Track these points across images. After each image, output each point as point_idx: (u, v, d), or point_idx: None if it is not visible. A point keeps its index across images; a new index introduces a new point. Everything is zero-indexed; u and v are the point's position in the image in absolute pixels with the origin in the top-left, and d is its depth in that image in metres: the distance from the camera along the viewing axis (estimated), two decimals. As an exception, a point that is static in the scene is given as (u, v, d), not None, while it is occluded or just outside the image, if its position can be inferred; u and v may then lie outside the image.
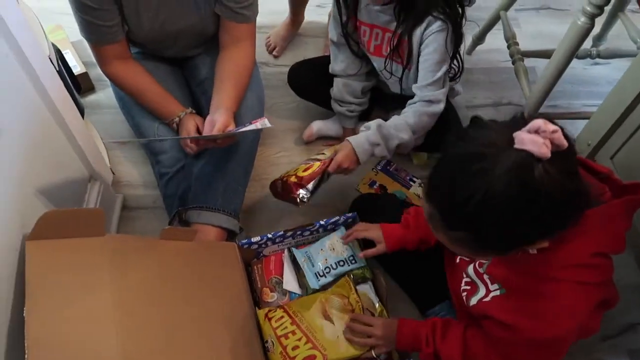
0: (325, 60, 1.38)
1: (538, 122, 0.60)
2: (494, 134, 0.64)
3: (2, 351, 0.78)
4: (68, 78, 1.22)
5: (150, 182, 1.39)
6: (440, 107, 1.16)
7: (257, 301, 1.13)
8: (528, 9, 1.92)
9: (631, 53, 1.45)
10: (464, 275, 0.88)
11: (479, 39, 1.69)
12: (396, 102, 1.35)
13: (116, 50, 1.20)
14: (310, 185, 1.11)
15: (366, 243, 1.21)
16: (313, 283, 1.13)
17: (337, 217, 1.18)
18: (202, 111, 1.29)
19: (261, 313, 1.06)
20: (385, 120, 1.18)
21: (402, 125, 1.15)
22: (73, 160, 1.11)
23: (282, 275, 1.15)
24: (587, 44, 1.22)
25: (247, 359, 0.98)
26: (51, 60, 1.04)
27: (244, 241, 1.13)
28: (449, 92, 1.27)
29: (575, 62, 1.22)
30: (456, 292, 0.93)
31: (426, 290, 1.13)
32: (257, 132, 1.23)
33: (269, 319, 1.05)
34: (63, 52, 1.43)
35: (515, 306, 0.77)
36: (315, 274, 1.15)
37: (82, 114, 1.18)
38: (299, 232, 1.17)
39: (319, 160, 1.14)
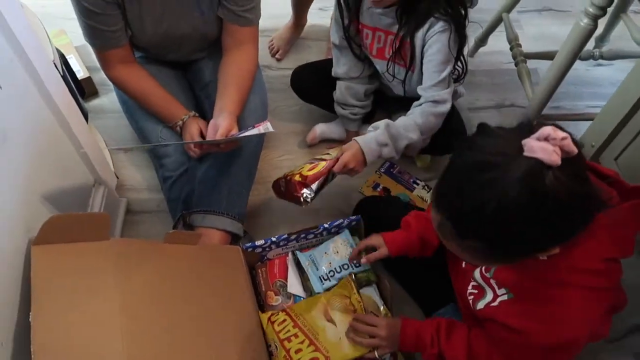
0: (328, 63, 1.38)
1: (547, 130, 0.60)
2: (502, 141, 0.64)
3: (9, 356, 0.78)
4: (72, 83, 1.23)
5: (154, 186, 1.39)
6: (447, 106, 1.15)
7: (262, 305, 1.13)
8: (530, 10, 1.92)
9: (634, 54, 1.45)
10: (471, 280, 0.88)
11: (482, 41, 1.70)
12: (399, 104, 1.35)
13: (120, 55, 1.20)
14: (314, 185, 1.09)
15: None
16: (317, 286, 1.13)
17: (341, 220, 1.18)
18: (205, 115, 1.29)
19: (264, 317, 1.06)
20: None
21: (410, 125, 1.14)
22: (77, 165, 1.12)
23: (286, 279, 1.15)
24: (590, 45, 1.22)
25: (252, 362, 0.98)
26: (56, 65, 1.05)
27: (248, 244, 1.13)
28: (462, 77, 1.27)
29: (578, 64, 1.22)
30: (462, 296, 0.93)
31: (431, 293, 1.13)
32: (261, 136, 1.23)
33: (272, 323, 1.05)
34: (67, 57, 1.44)
35: (524, 311, 0.76)
36: (320, 277, 1.14)
37: (86, 118, 1.19)
38: (303, 236, 1.17)
39: (324, 160, 1.12)
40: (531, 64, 1.48)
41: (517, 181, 0.60)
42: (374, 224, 1.19)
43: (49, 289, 0.80)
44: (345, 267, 1.14)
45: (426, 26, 1.11)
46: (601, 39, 1.64)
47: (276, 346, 1.01)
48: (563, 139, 0.59)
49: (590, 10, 1.09)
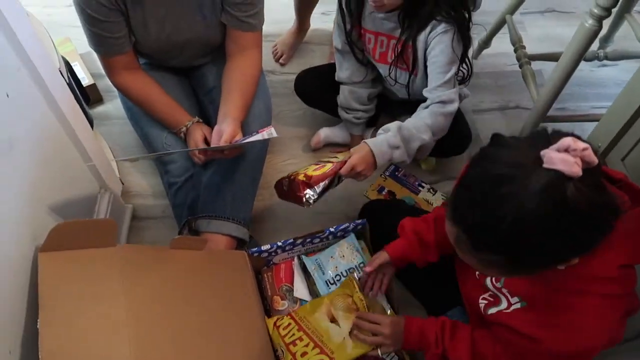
0: (331, 68, 1.38)
1: (567, 141, 0.59)
2: (518, 152, 0.63)
3: (16, 363, 0.78)
4: (77, 90, 1.24)
5: (159, 192, 1.39)
6: (455, 106, 1.14)
7: (268, 309, 1.13)
8: (533, 12, 1.92)
9: (639, 54, 1.44)
10: (484, 287, 0.87)
11: (485, 43, 1.69)
12: (403, 108, 1.35)
13: (124, 61, 1.21)
14: (318, 187, 1.04)
15: (376, 249, 1.21)
16: (324, 291, 1.13)
17: (346, 224, 1.17)
18: (210, 120, 1.30)
19: (270, 322, 1.06)
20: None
21: (422, 126, 1.12)
22: (83, 172, 1.12)
23: (292, 283, 1.15)
24: (594, 46, 1.22)
25: (259, 368, 0.98)
26: (61, 73, 1.06)
27: (254, 249, 1.13)
28: (467, 79, 1.26)
29: (582, 64, 1.21)
30: (470, 300, 0.92)
31: (438, 296, 1.12)
32: (265, 141, 1.23)
33: (277, 327, 1.04)
34: (72, 64, 1.45)
35: (540, 319, 0.76)
36: (326, 281, 1.14)
37: (91, 125, 1.19)
38: (308, 240, 1.16)
39: (331, 162, 1.08)
40: (535, 65, 1.47)
41: (538, 194, 0.59)
42: (380, 228, 1.18)
43: (56, 296, 0.80)
44: (352, 270, 1.14)
45: (428, 29, 1.11)
46: (605, 40, 1.63)
47: (282, 351, 1.01)
48: (584, 149, 0.58)
49: (595, 11, 1.08)
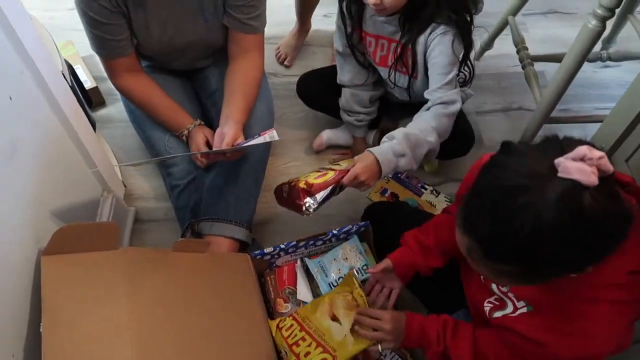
0: (333, 70, 1.38)
1: (583, 150, 0.58)
2: (532, 161, 0.62)
3: (19, 367, 0.78)
4: (80, 93, 1.24)
5: (162, 195, 1.39)
6: (457, 106, 1.13)
7: (271, 312, 1.12)
8: (536, 13, 1.92)
9: (642, 55, 1.44)
10: (489, 291, 0.86)
11: (488, 44, 1.69)
12: (405, 110, 1.35)
13: (126, 64, 1.21)
14: (319, 195, 1.00)
15: (379, 251, 1.20)
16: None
17: (349, 226, 1.17)
18: (212, 123, 1.29)
19: (273, 324, 1.06)
20: (395, 128, 1.16)
21: (427, 129, 1.08)
22: (86, 175, 1.12)
23: (295, 286, 1.15)
24: (597, 47, 1.21)
25: (262, 371, 0.98)
26: (64, 76, 1.06)
27: (257, 252, 1.13)
28: (469, 82, 1.26)
29: (585, 65, 1.21)
30: (475, 304, 0.92)
31: (442, 300, 1.12)
32: (267, 143, 1.23)
33: (280, 329, 1.04)
34: (74, 67, 1.45)
35: (546, 324, 0.75)
36: (329, 284, 1.14)
37: (93, 128, 1.20)
38: (311, 242, 1.16)
39: (333, 170, 1.05)
40: (538, 66, 1.47)
41: (554, 204, 0.58)
42: (383, 230, 1.18)
43: (59, 299, 0.80)
44: (352, 268, 1.13)
45: (428, 31, 1.11)
46: (608, 41, 1.63)
47: (286, 352, 1.01)
48: (600, 158, 0.58)
49: (599, 11, 1.08)
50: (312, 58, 1.75)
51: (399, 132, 1.06)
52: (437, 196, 1.41)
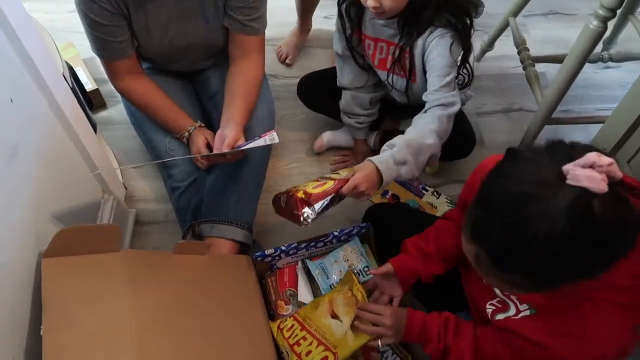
0: (334, 72, 1.38)
1: (592, 157, 0.57)
2: (539, 169, 0.61)
3: (20, 370, 0.78)
4: (80, 95, 1.24)
5: (163, 197, 1.39)
6: (456, 108, 1.12)
7: (272, 314, 1.12)
8: (536, 14, 1.92)
9: (643, 56, 1.44)
10: (492, 294, 0.86)
11: (488, 45, 1.69)
12: (406, 112, 1.34)
13: (127, 65, 1.21)
14: (317, 205, 0.98)
15: (380, 253, 1.20)
16: (328, 295, 1.12)
17: (350, 228, 1.17)
18: (213, 125, 1.29)
19: (274, 326, 1.06)
20: (395, 131, 1.16)
21: (427, 132, 1.06)
22: (86, 176, 1.12)
23: (296, 288, 1.15)
24: (598, 47, 1.21)
25: (263, 373, 0.98)
26: (65, 78, 1.06)
27: (258, 254, 1.13)
28: (468, 84, 1.25)
29: (586, 66, 1.21)
30: (476, 306, 0.91)
31: (442, 301, 1.11)
32: (268, 144, 1.23)
33: (281, 330, 1.04)
34: (75, 69, 1.45)
35: (549, 327, 0.75)
36: (330, 285, 1.14)
37: (94, 130, 1.20)
38: (312, 244, 1.16)
39: (333, 179, 1.02)
40: (538, 67, 1.47)
41: (564, 212, 0.58)
42: (384, 231, 1.18)
43: (60, 302, 0.80)
44: (351, 266, 1.13)
45: (426, 33, 1.10)
46: (609, 41, 1.63)
47: (287, 352, 1.01)
48: (609, 164, 0.57)
49: (600, 12, 1.08)
50: (312, 60, 1.75)
51: (399, 139, 1.04)
52: (438, 197, 1.41)
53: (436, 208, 1.39)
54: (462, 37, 1.10)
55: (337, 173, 1.07)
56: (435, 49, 1.10)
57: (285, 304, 1.12)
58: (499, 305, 0.85)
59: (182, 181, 1.26)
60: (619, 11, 1.12)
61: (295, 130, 1.57)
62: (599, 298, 0.70)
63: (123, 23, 1.13)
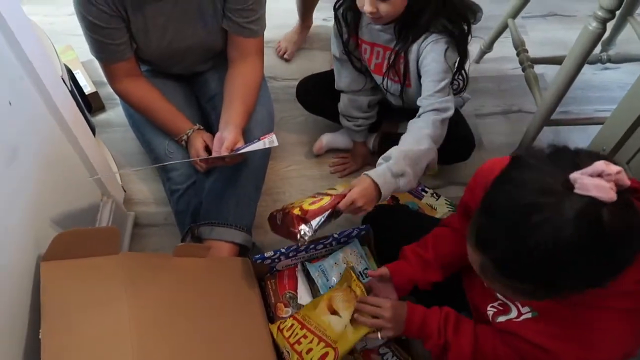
0: (332, 75, 1.37)
1: (600, 165, 0.57)
2: (545, 177, 0.60)
3: (18, 374, 0.77)
4: (79, 97, 1.24)
5: (162, 199, 1.39)
6: (450, 113, 1.11)
7: (272, 316, 1.12)
8: (535, 16, 1.92)
9: (642, 57, 1.44)
10: (493, 296, 0.86)
11: (487, 47, 1.69)
12: (405, 114, 1.34)
13: (125, 68, 1.21)
14: (314, 222, 0.96)
15: (380, 254, 1.20)
16: (328, 297, 1.12)
17: (350, 230, 1.17)
18: (212, 127, 1.29)
19: (274, 327, 1.06)
20: (394, 133, 1.15)
21: (422, 138, 1.05)
22: (85, 179, 1.12)
23: (296, 290, 1.14)
24: (597, 49, 1.21)
25: (263, 376, 0.97)
26: (63, 81, 1.06)
27: (257, 256, 1.12)
28: (462, 90, 1.25)
29: (584, 68, 1.21)
30: (477, 309, 0.91)
31: (441, 304, 1.11)
32: (267, 148, 1.23)
33: (281, 330, 1.04)
34: (74, 72, 1.45)
35: (551, 330, 0.74)
36: (330, 288, 1.13)
37: (93, 132, 1.19)
38: (312, 246, 1.16)
39: (329, 195, 1.01)
40: (537, 69, 1.47)
41: (572, 221, 0.57)
42: (383, 233, 1.18)
43: (59, 305, 0.79)
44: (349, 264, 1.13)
45: (420, 39, 1.10)
46: (608, 43, 1.63)
47: (288, 352, 1.01)
48: (617, 173, 0.57)
49: (599, 13, 1.08)
50: (311, 62, 1.75)
51: (395, 151, 1.02)
52: (437, 199, 1.41)
53: (435, 210, 1.39)
54: (458, 43, 1.10)
55: (334, 188, 1.06)
56: (430, 54, 1.10)
57: (285, 307, 1.12)
58: (500, 308, 0.84)
59: (181, 184, 1.26)
60: (617, 12, 1.12)
61: (294, 132, 1.57)
62: (603, 303, 0.69)
63: (121, 26, 1.13)
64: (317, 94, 1.44)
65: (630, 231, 0.59)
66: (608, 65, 1.55)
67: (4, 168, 0.79)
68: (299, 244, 0.99)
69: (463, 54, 1.12)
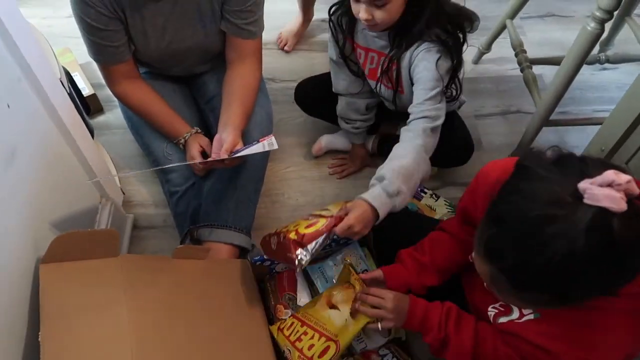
0: (330, 77, 1.38)
1: (610, 175, 0.57)
2: (553, 187, 0.60)
3: (17, 377, 0.77)
4: (77, 100, 1.24)
5: (161, 201, 1.38)
6: (440, 121, 1.10)
7: (271, 318, 1.12)
8: (533, 16, 1.93)
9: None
10: (495, 298, 0.86)
11: (486, 48, 1.70)
12: (404, 116, 1.34)
13: (124, 70, 1.21)
14: (310, 246, 0.95)
15: (379, 255, 1.20)
16: (327, 299, 1.12)
17: (349, 231, 1.16)
18: (211, 129, 1.29)
19: (274, 328, 1.06)
20: (393, 135, 1.14)
21: (414, 149, 1.04)
22: (84, 182, 1.12)
23: (295, 292, 1.14)
24: (594, 49, 1.22)
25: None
26: (62, 83, 1.06)
27: (257, 258, 1.12)
28: (453, 103, 1.25)
29: (583, 68, 1.21)
30: (478, 309, 0.91)
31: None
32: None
33: (281, 330, 1.04)
34: (72, 75, 1.45)
35: (553, 332, 0.74)
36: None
37: (91, 135, 1.19)
38: (311, 248, 1.15)
39: (323, 216, 1.00)
40: (536, 69, 1.47)
41: (584, 232, 0.57)
42: (383, 234, 1.17)
43: (58, 309, 0.79)
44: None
45: (413, 46, 1.10)
46: (606, 43, 1.64)
47: (289, 350, 1.00)
48: (628, 182, 0.56)
49: (597, 14, 1.08)
50: (310, 63, 1.75)
51: (387, 171, 1.00)
52: (436, 200, 1.41)
53: (435, 210, 1.39)
54: (452, 53, 1.09)
55: (327, 209, 1.04)
56: (422, 63, 1.09)
57: (285, 308, 1.12)
58: (502, 309, 0.84)
59: (180, 186, 1.26)
60: (615, 13, 1.12)
61: (293, 133, 1.57)
62: (608, 305, 0.69)
63: (120, 27, 1.13)
64: (316, 97, 1.44)
65: (639, 240, 0.58)
66: (606, 65, 1.56)
67: (2, 170, 0.79)
68: (297, 270, 0.98)
69: (457, 63, 1.11)
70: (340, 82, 1.31)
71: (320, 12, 1.73)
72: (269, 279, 1.17)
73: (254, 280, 1.12)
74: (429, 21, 1.06)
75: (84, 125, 1.10)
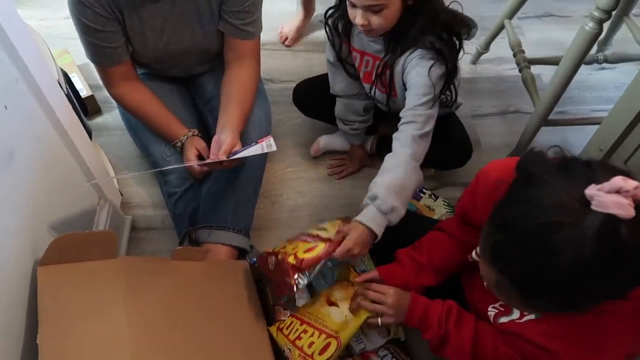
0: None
1: (618, 182, 0.56)
2: (560, 193, 0.60)
3: (15, 380, 0.77)
4: (75, 101, 1.23)
5: (159, 203, 1.38)
6: (429, 127, 1.09)
7: (271, 319, 1.11)
8: (531, 17, 1.93)
9: (638, 57, 1.44)
10: (495, 298, 0.85)
11: (484, 48, 1.70)
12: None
13: (121, 71, 1.20)
14: (309, 271, 0.98)
15: (379, 255, 1.20)
16: (326, 299, 1.11)
17: (348, 232, 1.16)
18: (209, 130, 1.29)
19: (273, 329, 1.05)
20: (391, 136, 1.13)
21: (404, 160, 1.04)
22: (82, 183, 1.11)
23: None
24: (593, 49, 1.22)
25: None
26: (60, 84, 1.05)
27: (255, 259, 1.12)
28: (451, 104, 1.25)
29: (581, 68, 1.21)
30: (478, 309, 0.91)
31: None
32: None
33: (280, 330, 1.04)
34: (70, 76, 1.44)
35: (554, 332, 0.74)
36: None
37: (89, 136, 1.19)
38: (311, 248, 1.15)
39: (321, 237, 1.01)
40: (534, 69, 1.47)
41: (592, 239, 0.57)
42: (383, 234, 1.17)
43: (56, 311, 0.79)
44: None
45: (407, 52, 1.10)
46: (604, 43, 1.64)
47: (290, 349, 1.00)
48: (635, 188, 0.56)
49: (596, 14, 1.08)
50: (309, 64, 1.75)
51: (379, 188, 1.00)
52: (435, 200, 1.41)
53: (434, 210, 1.38)
54: (446, 60, 1.08)
55: (323, 228, 1.05)
56: (415, 69, 1.09)
57: (284, 309, 1.11)
58: (502, 309, 0.84)
59: (179, 187, 1.26)
60: (613, 13, 1.12)
61: (292, 134, 1.57)
62: (607, 307, 0.69)
63: (117, 29, 1.13)
64: (314, 98, 1.44)
65: None
66: (604, 65, 1.56)
67: (0, 172, 0.79)
68: (295, 295, 1.00)
69: (452, 70, 1.11)
70: (338, 83, 1.31)
71: (321, 7, 1.73)
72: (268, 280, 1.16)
73: (252, 282, 1.12)
74: (424, 28, 1.06)
75: (82, 127, 1.10)
